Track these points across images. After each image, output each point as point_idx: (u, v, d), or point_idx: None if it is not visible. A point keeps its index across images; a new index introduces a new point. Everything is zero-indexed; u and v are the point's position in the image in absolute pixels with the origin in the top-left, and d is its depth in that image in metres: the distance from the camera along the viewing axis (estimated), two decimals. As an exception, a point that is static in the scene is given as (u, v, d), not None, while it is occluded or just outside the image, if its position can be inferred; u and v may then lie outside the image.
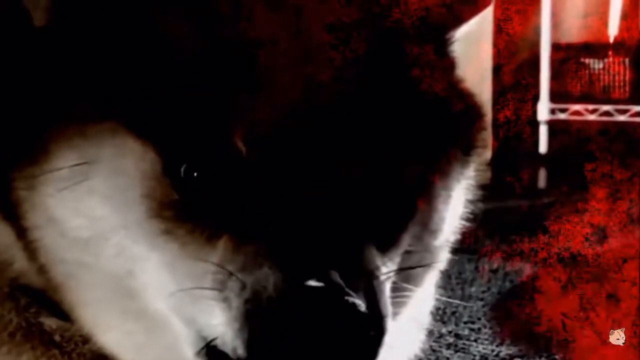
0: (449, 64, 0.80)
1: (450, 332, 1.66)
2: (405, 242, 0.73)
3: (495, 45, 3.75)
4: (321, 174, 0.67)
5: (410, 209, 0.73)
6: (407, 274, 0.73)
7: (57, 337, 0.74)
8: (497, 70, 3.81)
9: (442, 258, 0.80)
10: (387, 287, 0.68)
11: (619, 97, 3.82)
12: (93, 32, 0.70)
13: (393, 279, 0.70)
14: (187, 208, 0.67)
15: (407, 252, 0.73)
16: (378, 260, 0.68)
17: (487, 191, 0.82)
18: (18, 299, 0.75)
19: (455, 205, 0.79)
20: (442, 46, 0.79)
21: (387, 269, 0.69)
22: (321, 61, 0.68)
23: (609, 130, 3.80)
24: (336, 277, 0.63)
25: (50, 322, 0.74)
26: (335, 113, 0.67)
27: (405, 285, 0.72)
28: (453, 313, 2.01)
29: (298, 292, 0.63)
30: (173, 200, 0.67)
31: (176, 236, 0.67)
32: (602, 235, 2.65)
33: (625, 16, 3.80)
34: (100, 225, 0.69)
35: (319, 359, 0.63)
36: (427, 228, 0.75)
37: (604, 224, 2.76)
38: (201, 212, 0.67)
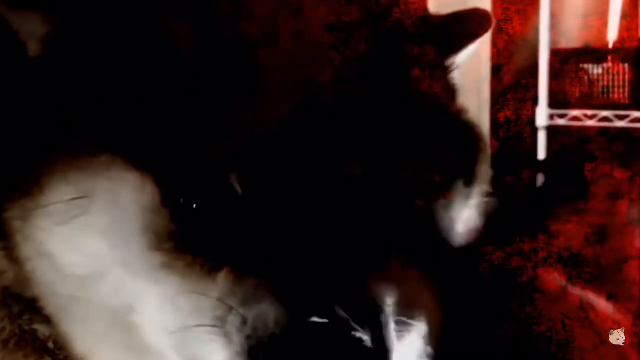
0: (450, 93, 0.79)
1: None
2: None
3: (495, 45, 3.75)
4: (321, 205, 0.66)
5: (410, 234, 0.72)
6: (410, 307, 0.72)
7: (50, 345, 0.73)
8: (497, 70, 3.81)
9: None
10: (392, 321, 0.67)
11: (619, 103, 3.81)
12: (89, 62, 0.69)
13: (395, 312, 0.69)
14: (187, 239, 0.66)
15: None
16: (382, 295, 0.67)
17: (488, 192, 0.82)
18: (11, 306, 0.74)
19: (457, 238, 0.78)
20: (443, 73, 0.78)
21: (391, 301, 0.68)
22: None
23: (609, 131, 3.80)
24: (341, 311, 0.62)
25: (43, 330, 0.73)
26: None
27: (406, 319, 0.71)
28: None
29: (301, 327, 0.62)
30: (172, 232, 0.66)
31: (176, 269, 0.66)
32: (602, 235, 2.65)
33: (625, 17, 3.80)
34: (97, 262, 0.68)
35: None
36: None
37: (604, 224, 2.76)
38: (200, 243, 0.66)
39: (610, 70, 3.83)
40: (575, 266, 2.33)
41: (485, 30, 0.81)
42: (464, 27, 0.79)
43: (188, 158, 0.65)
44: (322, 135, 0.66)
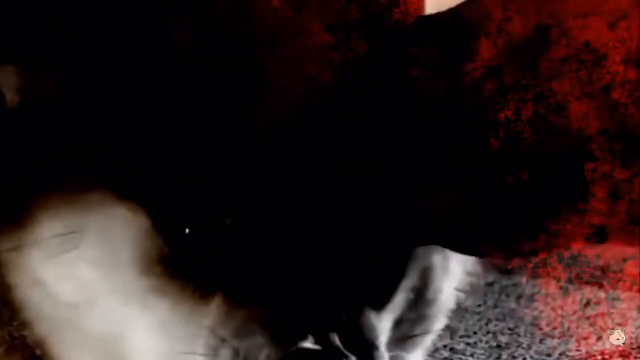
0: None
1: (445, 346, 1.66)
2: (400, 304, 0.72)
3: (495, 45, 3.75)
4: (312, 234, 0.66)
5: (403, 266, 0.72)
6: (402, 341, 0.72)
7: (38, 351, 0.73)
8: (497, 70, 3.81)
9: (438, 326, 0.80)
10: (386, 358, 0.67)
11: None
12: (69, 100, 0.69)
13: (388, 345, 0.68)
14: (179, 263, 0.66)
15: (401, 321, 0.73)
16: (375, 323, 0.67)
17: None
18: (0, 312, 0.74)
19: (453, 277, 0.78)
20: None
21: (384, 335, 0.68)
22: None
23: (609, 130, 3.79)
24: (335, 339, 0.62)
25: (32, 336, 0.73)
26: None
27: (399, 352, 0.71)
28: (448, 327, 2.00)
29: (291, 358, 0.61)
30: (164, 255, 0.67)
31: (167, 294, 0.66)
32: (602, 235, 2.64)
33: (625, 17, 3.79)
34: (88, 291, 0.68)
35: None
36: (423, 296, 0.75)
37: (604, 224, 2.75)
38: (193, 268, 0.66)
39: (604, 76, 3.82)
40: (575, 266, 2.33)
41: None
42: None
43: (181, 186, 0.66)
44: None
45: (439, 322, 0.79)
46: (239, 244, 0.66)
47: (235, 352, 0.63)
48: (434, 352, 0.79)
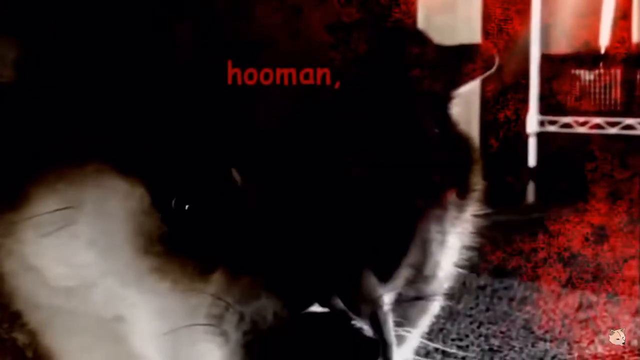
0: (447, 115, 0.79)
1: (437, 349, 1.66)
2: (401, 279, 0.72)
3: (495, 45, 3.75)
4: (317, 199, 0.65)
5: (408, 237, 0.72)
6: (404, 315, 0.72)
7: (29, 353, 0.71)
8: (496, 70, 3.81)
9: (438, 302, 0.79)
10: (390, 317, 0.66)
11: (610, 109, 3.79)
12: (69, 76, 0.68)
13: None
14: (178, 241, 0.65)
15: (400, 299, 0.72)
16: (379, 288, 0.66)
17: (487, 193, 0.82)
18: None
19: (450, 251, 0.78)
20: (444, 103, 0.78)
21: (387, 299, 0.68)
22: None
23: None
24: (339, 303, 0.61)
25: (23, 338, 0.71)
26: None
27: (401, 323, 0.71)
28: (440, 330, 2.00)
29: (300, 319, 0.61)
30: (163, 234, 0.65)
31: (167, 273, 0.65)
32: (602, 235, 2.65)
33: (617, 24, 3.79)
34: (85, 273, 0.66)
35: None
36: (422, 273, 0.74)
37: (604, 224, 2.76)
38: (193, 244, 0.65)
39: (602, 77, 3.81)
40: (575, 266, 2.33)
41: (488, 69, 0.81)
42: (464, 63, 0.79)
43: (179, 158, 0.65)
44: (322, 135, 0.66)
45: (436, 302, 0.79)
46: (240, 217, 0.65)
47: (241, 317, 0.62)
48: (425, 355, 0.79)
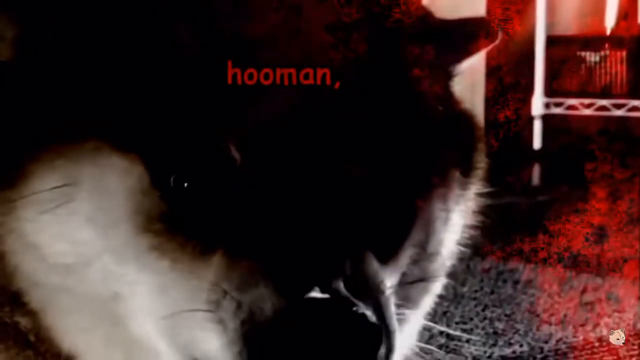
0: (450, 93, 0.79)
1: (441, 332, 1.65)
2: (404, 259, 0.72)
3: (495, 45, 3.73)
4: (319, 182, 0.65)
5: (408, 220, 0.72)
6: (406, 295, 0.72)
7: (31, 337, 0.72)
8: (497, 70, 3.80)
9: (440, 282, 0.79)
10: (393, 302, 0.66)
11: (617, 92, 3.78)
12: (67, 53, 0.68)
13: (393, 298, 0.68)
14: (178, 220, 0.65)
15: (405, 275, 0.72)
16: (381, 271, 0.66)
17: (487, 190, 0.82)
18: None
19: (453, 229, 0.78)
20: (446, 79, 0.78)
21: (390, 283, 0.67)
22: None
23: (609, 130, 3.79)
24: (341, 287, 0.61)
25: (25, 322, 0.71)
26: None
27: (403, 304, 0.71)
28: (444, 313, 1.99)
29: (299, 307, 0.60)
30: (162, 212, 0.65)
31: (166, 252, 0.65)
32: (602, 235, 2.65)
33: (624, 14, 3.78)
34: (83, 250, 0.66)
35: None
36: (425, 251, 0.74)
37: (604, 224, 2.76)
38: (193, 224, 0.65)
39: (608, 58, 3.79)
40: (575, 266, 2.33)
41: (490, 42, 0.81)
42: (468, 36, 0.79)
43: (179, 136, 0.65)
44: (324, 115, 0.66)
45: (439, 281, 0.79)
46: (240, 197, 0.65)
47: (238, 305, 0.62)
48: (429, 338, 0.79)
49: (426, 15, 0.77)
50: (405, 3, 0.75)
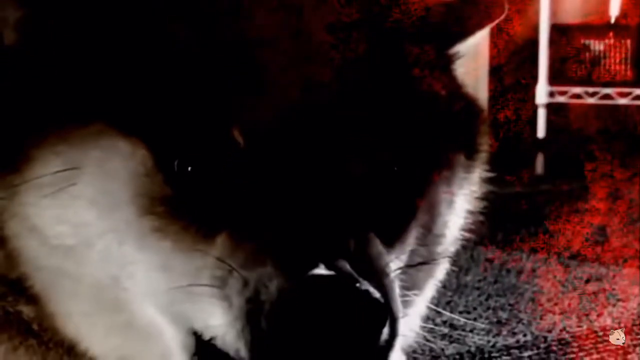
0: (452, 76, 0.79)
1: (444, 322, 1.64)
2: (410, 240, 0.72)
3: (495, 45, 3.73)
4: (322, 166, 0.65)
5: (413, 203, 0.72)
6: (411, 279, 0.72)
7: (34, 326, 0.72)
8: (497, 70, 3.80)
9: (444, 266, 0.79)
10: (397, 285, 0.66)
11: (620, 80, 3.76)
12: (71, 37, 0.68)
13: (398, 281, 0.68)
14: (182, 203, 0.65)
15: (411, 256, 0.72)
16: (385, 254, 0.67)
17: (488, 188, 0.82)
18: None
19: (458, 212, 0.78)
20: (446, 63, 0.78)
21: (395, 265, 0.67)
22: (321, 61, 0.68)
23: (610, 130, 3.79)
24: (345, 265, 0.61)
25: (28, 311, 0.71)
26: (335, 111, 0.67)
27: (408, 287, 0.71)
28: (448, 302, 1.98)
29: (304, 286, 0.60)
30: (166, 196, 0.65)
31: (168, 234, 0.65)
32: (602, 235, 2.65)
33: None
34: (85, 232, 0.67)
35: (331, 356, 0.60)
36: (431, 232, 0.74)
37: (604, 224, 2.76)
38: (196, 207, 0.65)
39: (613, 47, 3.78)
40: (575, 266, 2.33)
41: (496, 17, 0.81)
42: (472, 13, 0.79)
43: (183, 120, 0.65)
44: (321, 134, 0.66)
45: (442, 267, 0.79)
46: (243, 181, 0.65)
47: (245, 282, 0.62)
48: (433, 328, 0.79)
49: (426, 15, 0.77)
50: (405, 3, 0.75)
